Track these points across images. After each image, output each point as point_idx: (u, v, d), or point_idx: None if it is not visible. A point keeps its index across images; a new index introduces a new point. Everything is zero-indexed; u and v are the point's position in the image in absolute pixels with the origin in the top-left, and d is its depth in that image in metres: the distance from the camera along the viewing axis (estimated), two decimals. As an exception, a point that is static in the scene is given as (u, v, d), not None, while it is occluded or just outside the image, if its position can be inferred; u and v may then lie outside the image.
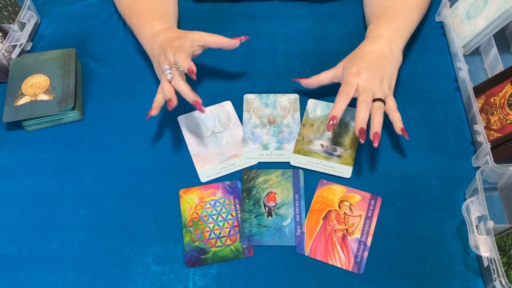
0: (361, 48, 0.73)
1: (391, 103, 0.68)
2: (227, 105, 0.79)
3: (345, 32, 0.87)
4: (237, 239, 0.66)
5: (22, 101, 0.76)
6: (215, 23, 0.90)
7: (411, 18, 0.76)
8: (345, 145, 0.74)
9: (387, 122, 0.76)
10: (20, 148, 0.76)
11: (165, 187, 0.71)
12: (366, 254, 0.64)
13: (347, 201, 0.69)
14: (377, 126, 0.65)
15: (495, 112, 0.71)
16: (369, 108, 0.66)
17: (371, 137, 0.65)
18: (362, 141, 0.64)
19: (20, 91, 0.78)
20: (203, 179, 0.72)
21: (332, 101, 0.78)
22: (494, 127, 0.70)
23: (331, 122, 0.65)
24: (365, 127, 0.64)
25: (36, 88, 0.78)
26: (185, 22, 0.90)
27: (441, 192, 0.69)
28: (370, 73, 0.68)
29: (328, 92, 0.79)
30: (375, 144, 0.64)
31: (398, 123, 0.67)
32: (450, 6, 0.85)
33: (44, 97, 0.77)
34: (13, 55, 0.84)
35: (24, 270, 0.65)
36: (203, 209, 0.69)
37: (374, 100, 0.67)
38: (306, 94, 0.80)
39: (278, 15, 0.91)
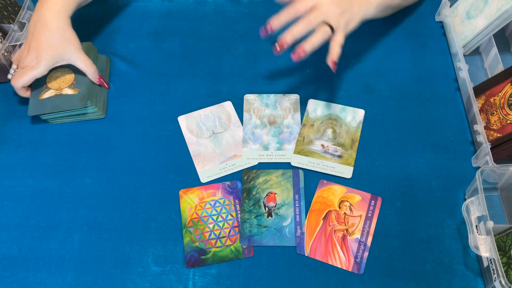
0: None
1: (340, 37, 0.66)
2: (228, 105, 0.79)
3: (345, 32, 0.87)
4: (237, 239, 0.66)
5: (47, 95, 0.76)
6: (216, 23, 0.89)
7: None
8: (345, 145, 0.74)
9: (387, 127, 0.76)
10: (20, 148, 0.76)
11: (165, 187, 0.71)
12: (366, 254, 0.64)
13: (347, 201, 0.69)
14: (308, 44, 0.63)
15: (495, 112, 0.71)
16: (309, 27, 0.64)
17: (296, 49, 0.63)
18: (278, 49, 0.63)
19: (45, 85, 0.77)
20: (203, 179, 0.72)
21: (333, 102, 0.78)
22: (494, 127, 0.70)
23: (268, 26, 0.65)
24: (288, 39, 0.63)
25: (61, 82, 0.77)
26: (186, 22, 0.90)
27: (441, 192, 0.69)
28: (336, 1, 0.66)
29: (329, 92, 0.79)
30: (294, 58, 0.63)
31: (333, 55, 0.65)
32: (450, 6, 0.85)
33: (69, 91, 0.76)
34: (13, 55, 0.83)
35: (24, 270, 0.65)
36: (203, 209, 0.69)
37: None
38: (306, 95, 0.80)
39: (278, 15, 0.90)
